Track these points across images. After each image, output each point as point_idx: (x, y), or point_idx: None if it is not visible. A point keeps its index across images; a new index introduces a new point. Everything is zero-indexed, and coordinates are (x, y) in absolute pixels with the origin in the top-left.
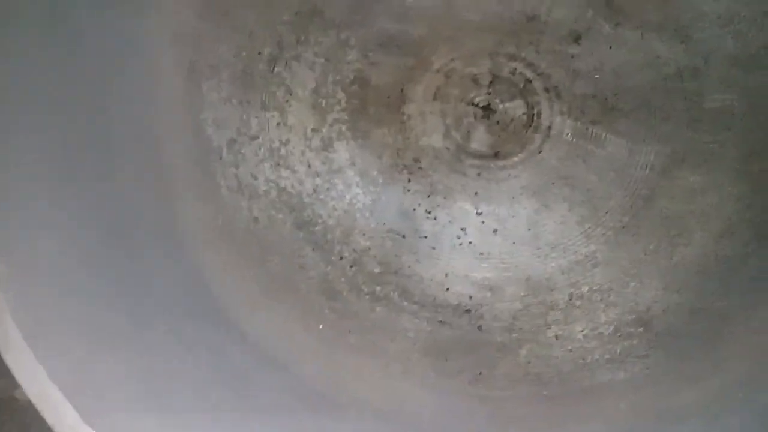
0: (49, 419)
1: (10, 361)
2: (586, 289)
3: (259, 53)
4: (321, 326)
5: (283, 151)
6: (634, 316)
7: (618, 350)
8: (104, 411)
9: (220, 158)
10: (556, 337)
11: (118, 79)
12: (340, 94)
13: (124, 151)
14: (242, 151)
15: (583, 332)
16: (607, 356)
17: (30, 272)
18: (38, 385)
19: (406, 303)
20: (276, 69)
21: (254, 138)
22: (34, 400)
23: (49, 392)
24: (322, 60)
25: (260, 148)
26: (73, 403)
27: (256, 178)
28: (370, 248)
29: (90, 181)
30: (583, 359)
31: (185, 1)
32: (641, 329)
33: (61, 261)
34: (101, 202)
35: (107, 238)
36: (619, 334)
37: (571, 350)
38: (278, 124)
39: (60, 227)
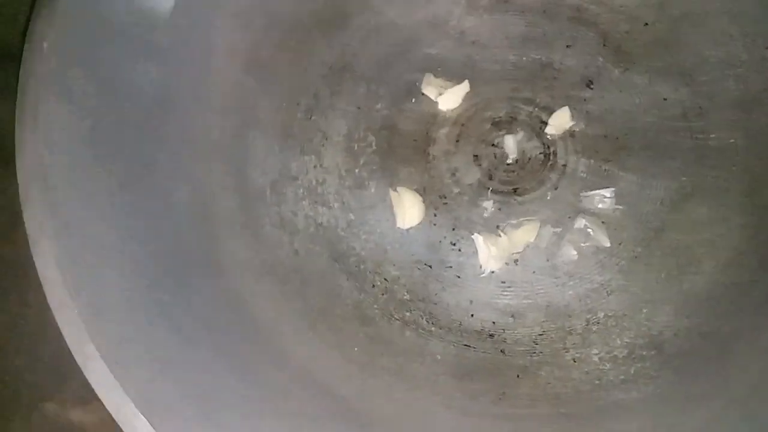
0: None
1: (93, 380)
2: (602, 315)
3: (298, 104)
4: (356, 349)
5: (320, 190)
6: (646, 340)
7: (631, 371)
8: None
9: (265, 199)
10: (574, 359)
11: (174, 132)
12: (371, 138)
13: (178, 197)
14: (283, 192)
15: (599, 355)
16: (621, 377)
17: (101, 303)
18: (116, 401)
19: (433, 328)
20: (313, 117)
21: (294, 179)
22: (112, 412)
23: (126, 407)
24: (354, 108)
25: (300, 189)
26: (146, 417)
27: (296, 215)
28: (399, 277)
29: (146, 223)
30: (598, 380)
31: (232, 64)
32: (653, 352)
33: (122, 294)
34: (157, 240)
35: (162, 272)
36: (632, 356)
37: (587, 372)
38: (315, 166)
39: (122, 263)
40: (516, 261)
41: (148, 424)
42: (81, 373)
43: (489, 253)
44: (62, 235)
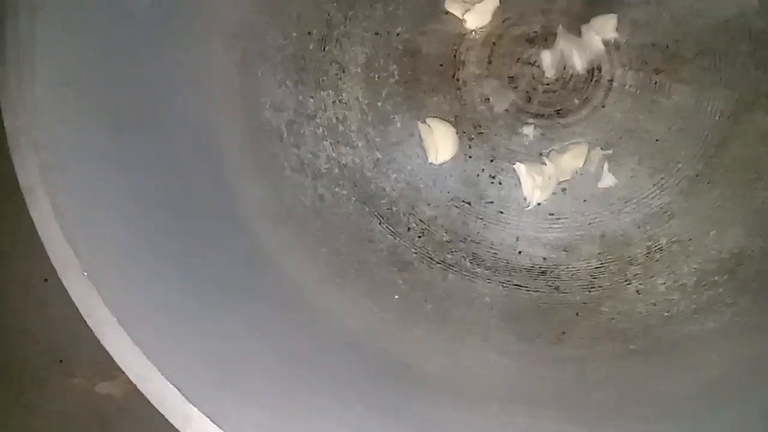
0: (152, 398)
1: (110, 347)
2: (665, 241)
3: (309, 34)
4: (396, 296)
5: (341, 128)
6: (717, 265)
7: (704, 300)
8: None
9: (281, 140)
10: (638, 291)
11: (175, 69)
12: (393, 67)
13: (185, 139)
14: (302, 131)
15: (666, 284)
16: (693, 307)
17: (108, 260)
18: (135, 363)
19: (478, 269)
20: (327, 48)
21: (312, 117)
22: (134, 380)
23: (145, 370)
24: (372, 34)
25: (319, 127)
26: (176, 385)
27: (317, 157)
28: (436, 217)
29: (152, 170)
30: (668, 312)
31: None
32: (726, 277)
33: (132, 249)
34: (166, 190)
35: (174, 225)
36: (703, 284)
37: (654, 304)
38: (334, 102)
39: (129, 215)
40: (564, 190)
41: (178, 393)
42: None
43: (533, 183)
44: (58, 186)
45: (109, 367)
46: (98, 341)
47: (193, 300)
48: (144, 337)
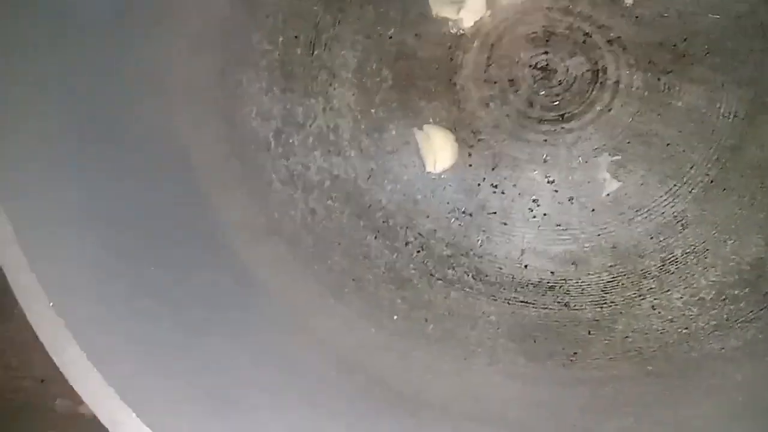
0: None
1: (79, 386)
2: (679, 252)
3: (296, 37)
4: (395, 317)
5: (332, 137)
6: (736, 277)
7: (724, 316)
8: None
9: (268, 151)
10: (653, 307)
11: (150, 77)
12: (386, 72)
13: (161, 151)
14: (290, 141)
15: (683, 299)
16: (713, 323)
17: (78, 289)
18: (108, 405)
19: (482, 285)
20: (315, 52)
21: (301, 126)
22: (104, 422)
23: (120, 412)
24: (363, 37)
25: (309, 137)
26: (146, 422)
27: (308, 168)
28: (436, 230)
29: (123, 187)
30: (686, 329)
31: None
32: (747, 290)
33: (107, 275)
34: (138, 209)
35: (149, 247)
36: (723, 297)
37: (671, 320)
38: (324, 109)
39: (96, 238)
40: (571, 199)
41: None
42: None
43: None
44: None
45: None
46: None
47: (172, 328)
48: (118, 375)
